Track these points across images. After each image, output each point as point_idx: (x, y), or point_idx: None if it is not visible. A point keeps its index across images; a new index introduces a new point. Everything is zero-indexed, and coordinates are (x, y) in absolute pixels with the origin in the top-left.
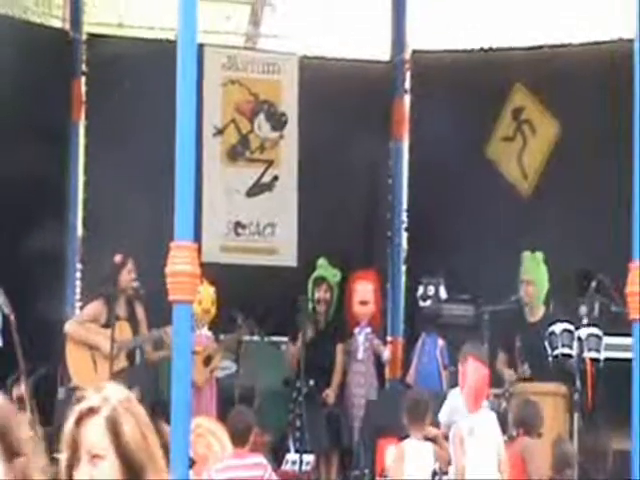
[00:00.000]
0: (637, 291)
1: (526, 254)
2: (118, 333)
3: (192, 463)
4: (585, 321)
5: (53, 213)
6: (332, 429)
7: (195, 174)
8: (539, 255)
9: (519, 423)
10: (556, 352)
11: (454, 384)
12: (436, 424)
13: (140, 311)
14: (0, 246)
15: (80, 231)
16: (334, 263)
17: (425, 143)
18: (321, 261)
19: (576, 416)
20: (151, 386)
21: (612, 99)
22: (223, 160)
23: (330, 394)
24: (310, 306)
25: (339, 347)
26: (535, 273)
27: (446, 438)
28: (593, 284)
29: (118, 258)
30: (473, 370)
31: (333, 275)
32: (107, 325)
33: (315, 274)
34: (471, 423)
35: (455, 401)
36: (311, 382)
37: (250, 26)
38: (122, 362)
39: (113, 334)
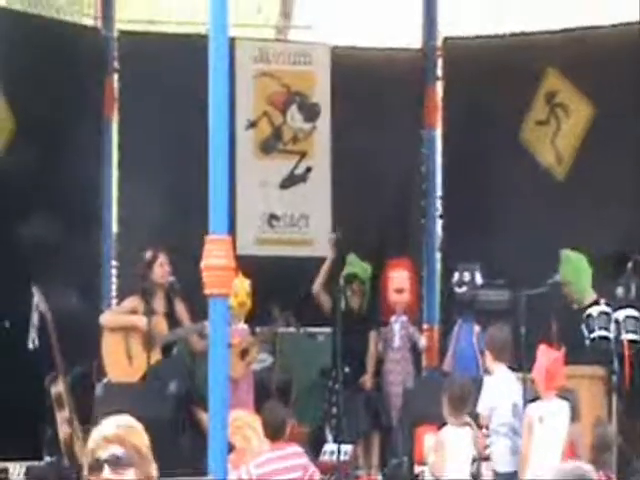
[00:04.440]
0: None
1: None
2: (154, 327)
3: (231, 449)
4: (622, 303)
5: (88, 210)
6: (371, 412)
7: (228, 167)
8: (567, 253)
9: None
10: (593, 335)
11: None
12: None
13: (180, 306)
14: (36, 244)
15: (115, 228)
16: (368, 252)
17: (458, 129)
18: (351, 257)
19: (614, 399)
20: (187, 379)
21: None
22: (256, 152)
23: (367, 380)
24: (343, 302)
25: (372, 335)
26: (567, 274)
27: (486, 427)
28: (629, 266)
29: (148, 254)
30: (543, 354)
31: (364, 271)
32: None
33: (345, 271)
34: (542, 411)
35: (491, 390)
36: (347, 369)
37: (281, 17)
38: (157, 355)
39: (149, 327)
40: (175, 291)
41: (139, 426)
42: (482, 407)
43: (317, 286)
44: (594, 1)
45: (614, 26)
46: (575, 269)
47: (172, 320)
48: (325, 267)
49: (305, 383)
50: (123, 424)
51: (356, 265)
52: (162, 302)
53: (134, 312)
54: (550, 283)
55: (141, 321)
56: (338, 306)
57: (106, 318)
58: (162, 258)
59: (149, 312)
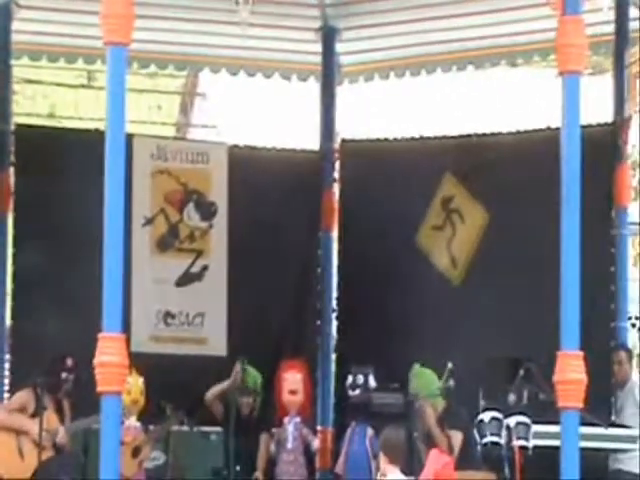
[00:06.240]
0: (565, 379)
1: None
2: (46, 423)
3: None
4: (513, 409)
5: None
6: None
7: (124, 264)
8: (416, 368)
9: None
10: (485, 440)
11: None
12: None
13: (66, 404)
14: None
15: (8, 322)
16: (264, 352)
17: (354, 232)
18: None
19: None
20: (79, 476)
21: (540, 187)
22: (152, 250)
23: (259, 476)
24: (234, 410)
25: (263, 437)
26: (418, 388)
27: None
28: (521, 372)
29: (70, 361)
30: (433, 459)
31: (254, 381)
32: (35, 415)
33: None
34: None
35: None
36: (238, 468)
37: (180, 115)
38: (48, 451)
39: (42, 423)
40: (68, 392)
41: None
42: None
43: (210, 397)
44: (490, 108)
45: (509, 134)
46: (425, 383)
47: (61, 416)
48: (222, 386)
49: None
50: None
51: (247, 375)
52: (51, 399)
53: (25, 408)
54: (441, 387)
55: (33, 429)
56: (231, 412)
57: None
58: (71, 363)
59: (40, 408)
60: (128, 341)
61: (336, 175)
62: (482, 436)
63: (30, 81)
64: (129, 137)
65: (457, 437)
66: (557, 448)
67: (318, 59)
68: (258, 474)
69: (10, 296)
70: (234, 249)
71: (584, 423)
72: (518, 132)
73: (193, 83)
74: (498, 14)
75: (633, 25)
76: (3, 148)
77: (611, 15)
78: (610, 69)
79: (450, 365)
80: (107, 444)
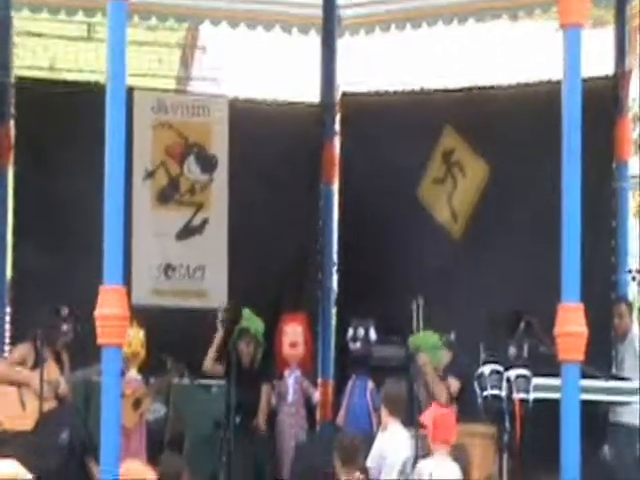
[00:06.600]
0: (566, 332)
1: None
2: (46, 374)
3: None
4: (514, 362)
5: None
6: (262, 464)
7: (125, 217)
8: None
9: None
10: (485, 393)
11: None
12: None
13: (65, 356)
14: None
15: (9, 274)
16: (265, 305)
17: (355, 185)
18: (246, 312)
19: (505, 457)
20: (80, 427)
21: (541, 141)
22: (153, 203)
23: (260, 422)
24: (234, 356)
25: (264, 388)
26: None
27: None
28: (522, 325)
29: (66, 311)
30: (433, 411)
31: (256, 326)
32: (35, 367)
33: (239, 325)
34: (432, 468)
35: (383, 444)
36: (238, 419)
37: (181, 68)
38: (51, 402)
39: (42, 374)
40: (66, 343)
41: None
42: (371, 461)
43: (208, 363)
44: (491, 61)
45: (510, 87)
46: (425, 337)
47: (61, 367)
48: (214, 344)
49: (198, 434)
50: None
51: (249, 320)
52: (50, 350)
53: (25, 360)
54: (444, 341)
55: (34, 380)
56: (232, 359)
57: None
58: (69, 315)
59: (41, 360)
60: (129, 294)
61: (337, 128)
62: (482, 389)
63: (30, 33)
64: (129, 90)
65: (454, 385)
66: (557, 401)
67: (319, 11)
68: (259, 421)
69: (11, 249)
70: (234, 202)
71: (584, 376)
72: (519, 85)
73: (194, 36)
74: None
75: None
76: (4, 100)
77: None
78: (611, 22)
79: (415, 303)
80: (108, 396)
